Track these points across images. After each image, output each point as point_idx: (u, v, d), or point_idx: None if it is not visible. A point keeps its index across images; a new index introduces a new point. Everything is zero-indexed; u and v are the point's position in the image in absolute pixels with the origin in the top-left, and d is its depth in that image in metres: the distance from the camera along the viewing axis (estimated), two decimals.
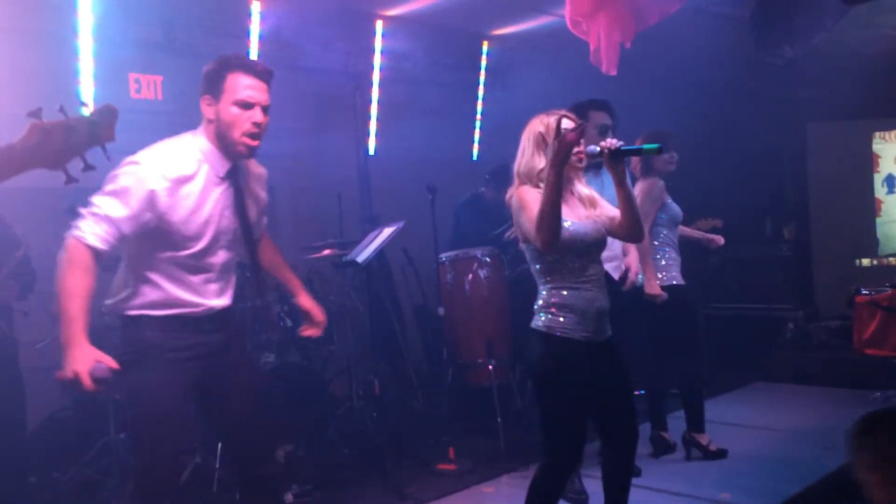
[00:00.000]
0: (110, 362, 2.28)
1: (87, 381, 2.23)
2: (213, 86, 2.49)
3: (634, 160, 4.28)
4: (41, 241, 3.98)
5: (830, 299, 7.13)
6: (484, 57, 6.91)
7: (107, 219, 2.35)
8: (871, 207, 7.58)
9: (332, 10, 5.65)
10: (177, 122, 5.11)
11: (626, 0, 4.28)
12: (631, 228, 2.79)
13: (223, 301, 2.61)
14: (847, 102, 6.72)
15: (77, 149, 1.90)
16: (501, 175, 4.79)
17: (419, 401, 5.51)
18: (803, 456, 4.20)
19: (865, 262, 7.71)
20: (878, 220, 7.56)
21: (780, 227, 7.65)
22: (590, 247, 2.76)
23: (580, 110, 3.65)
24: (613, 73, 4.34)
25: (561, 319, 2.70)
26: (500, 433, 4.60)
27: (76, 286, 2.31)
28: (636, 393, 3.45)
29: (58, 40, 4.69)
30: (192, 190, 2.45)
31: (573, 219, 2.74)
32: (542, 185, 2.68)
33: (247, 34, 5.38)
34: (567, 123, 2.69)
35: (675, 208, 4.34)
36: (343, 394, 5.06)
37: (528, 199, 2.71)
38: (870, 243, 7.65)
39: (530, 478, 2.83)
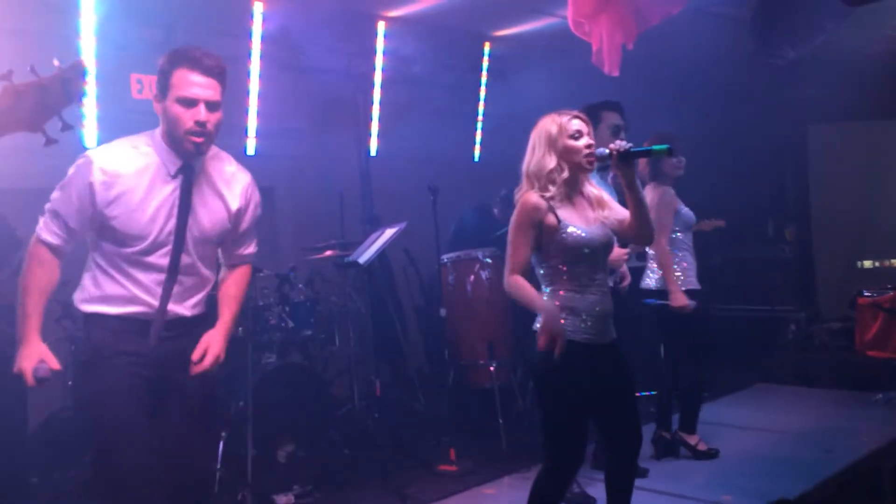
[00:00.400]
0: (53, 363, 2.30)
1: (29, 380, 2.28)
2: (161, 82, 2.41)
3: (642, 164, 4.26)
4: None
5: (832, 301, 7.11)
6: (486, 58, 6.91)
7: (55, 213, 2.38)
8: (876, 208, 7.57)
9: (334, 11, 5.65)
10: None
11: (628, 1, 4.28)
12: (641, 231, 2.78)
13: (182, 309, 2.46)
14: (848, 103, 6.70)
15: (53, 108, 1.90)
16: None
17: (420, 402, 5.51)
18: (805, 457, 4.19)
19: (867, 263, 7.70)
20: None
21: (781, 228, 7.64)
22: (596, 251, 2.73)
23: (592, 111, 3.63)
24: (616, 73, 4.34)
25: (562, 321, 2.66)
26: (501, 434, 4.59)
27: (31, 282, 2.35)
28: (641, 394, 3.47)
29: (60, 41, 4.69)
30: (134, 185, 2.36)
31: (581, 223, 2.72)
32: (551, 186, 2.69)
33: (249, 35, 5.38)
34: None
35: (688, 213, 4.33)
36: (344, 394, 5.06)
37: (521, 226, 2.71)
38: (874, 245, 7.65)
39: (531, 479, 2.82)
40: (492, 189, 5.82)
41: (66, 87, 1.90)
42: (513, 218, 2.75)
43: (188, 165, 2.44)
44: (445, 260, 5.01)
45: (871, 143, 7.64)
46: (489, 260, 4.98)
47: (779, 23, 4.67)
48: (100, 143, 4.78)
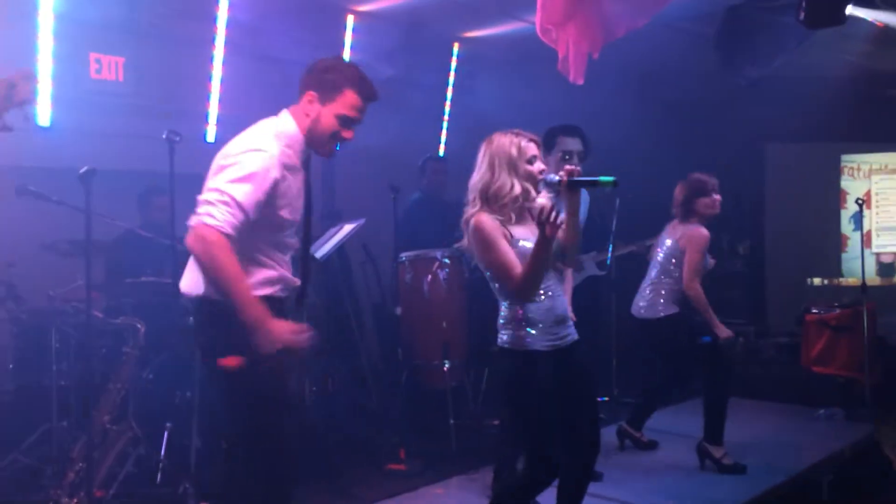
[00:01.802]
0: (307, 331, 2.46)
1: (305, 342, 2.41)
2: (327, 89, 2.57)
3: (677, 202, 4.37)
4: None
5: (781, 316, 7.28)
6: (454, 58, 6.91)
7: (238, 205, 2.38)
8: (827, 228, 7.78)
9: (303, 1, 5.59)
10: (137, 104, 5.10)
11: (596, 12, 4.31)
12: (568, 252, 2.88)
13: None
14: (806, 125, 6.87)
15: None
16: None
17: (372, 400, 5.48)
18: (747, 468, 4.26)
19: (817, 281, 7.90)
20: (843, 254, 7.75)
21: (735, 243, 7.79)
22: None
23: (550, 133, 3.69)
24: (580, 82, 4.37)
25: (523, 333, 2.73)
26: (451, 435, 4.59)
27: (236, 270, 2.37)
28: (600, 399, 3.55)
29: (16, 16, 4.55)
30: (294, 177, 2.56)
31: (530, 236, 2.74)
32: (505, 209, 2.74)
33: (214, 19, 5.28)
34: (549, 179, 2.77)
35: (708, 260, 4.41)
36: (295, 389, 5.01)
37: (493, 239, 2.70)
38: (824, 264, 7.85)
39: (480, 480, 2.86)
40: (455, 187, 5.80)
41: (10, 91, 1.93)
42: (480, 238, 2.72)
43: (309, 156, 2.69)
44: (403, 258, 4.99)
45: (827, 163, 7.85)
46: (447, 260, 4.96)
47: (742, 42, 4.75)
48: (54, 122, 4.71)
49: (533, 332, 2.74)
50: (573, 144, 3.75)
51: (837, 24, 4.40)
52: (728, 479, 4.14)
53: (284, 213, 2.55)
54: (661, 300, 4.39)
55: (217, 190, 2.39)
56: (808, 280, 7.87)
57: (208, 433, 3.90)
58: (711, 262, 4.46)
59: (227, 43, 5.36)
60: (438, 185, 5.76)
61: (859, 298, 5.67)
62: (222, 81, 5.41)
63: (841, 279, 7.79)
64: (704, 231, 4.33)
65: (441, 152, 7.18)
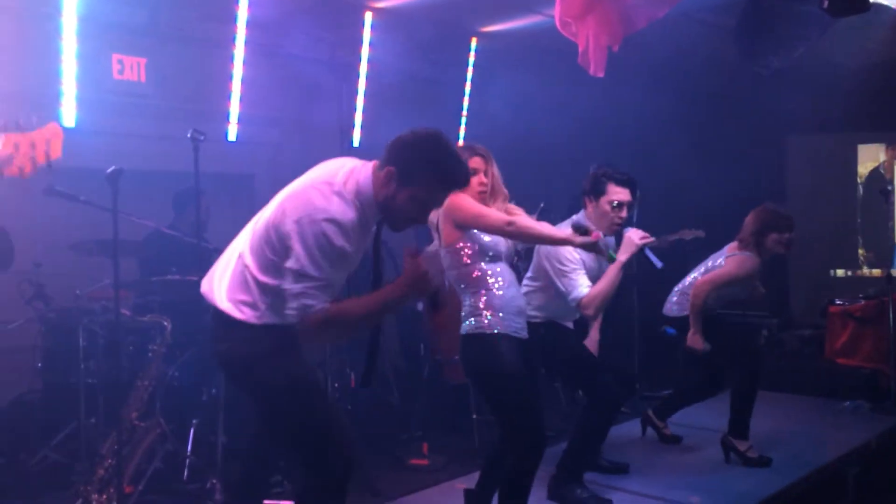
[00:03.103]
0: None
1: (424, 277, 2.40)
2: (406, 170, 2.40)
3: (747, 230, 4.29)
4: (19, 219, 3.95)
5: (805, 308, 7.21)
6: (472, 53, 6.90)
7: (328, 285, 2.35)
8: (847, 219, 7.69)
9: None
10: (159, 105, 5.16)
11: (615, 3, 4.29)
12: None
13: None
14: (828, 115, 6.79)
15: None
16: None
17: (395, 396, 5.50)
18: (773, 461, 4.23)
19: (840, 272, 7.81)
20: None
21: None
22: (502, 253, 3.06)
23: (599, 181, 3.62)
24: (601, 75, 4.35)
25: (488, 319, 2.96)
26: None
27: (353, 306, 2.46)
28: None
29: (41, 18, 4.62)
30: (361, 238, 2.48)
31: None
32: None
33: (234, 20, 5.32)
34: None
35: (759, 288, 4.44)
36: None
37: (470, 201, 2.99)
38: (845, 254, 7.76)
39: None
40: None
41: (33, 151, 1.99)
42: (467, 203, 2.97)
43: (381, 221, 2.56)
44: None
45: (848, 154, 7.76)
46: None
47: (763, 32, 4.71)
48: (78, 123, 4.77)
49: (497, 316, 2.97)
50: (624, 195, 3.62)
51: (861, 12, 4.34)
52: (754, 473, 4.12)
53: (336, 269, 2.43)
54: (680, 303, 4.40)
55: (304, 274, 2.31)
56: (832, 271, 7.79)
57: (234, 429, 3.93)
58: (762, 290, 4.45)
59: (247, 42, 5.40)
60: None
61: (884, 289, 5.61)
62: (243, 81, 5.45)
63: (865, 270, 7.70)
64: (756, 259, 4.26)
65: None
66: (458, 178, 2.48)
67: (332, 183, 2.42)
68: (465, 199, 2.96)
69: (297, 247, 2.32)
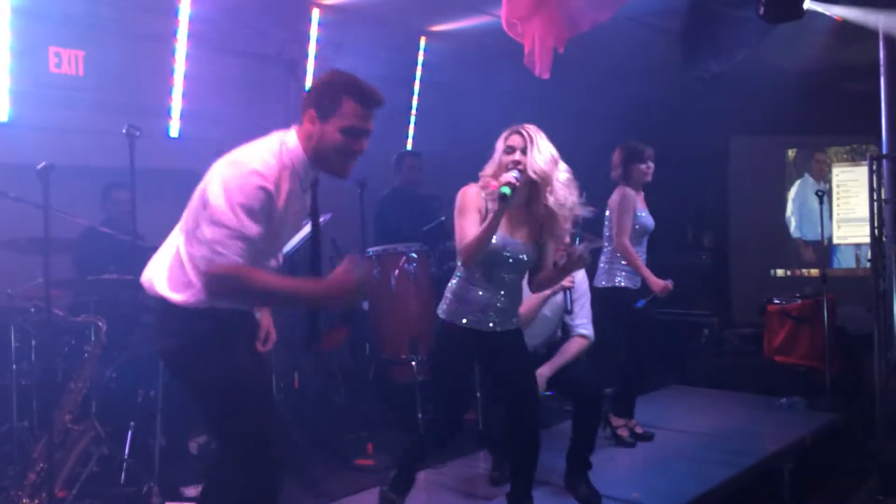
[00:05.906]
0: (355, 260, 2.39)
1: (362, 273, 2.34)
2: (324, 104, 2.39)
3: (615, 165, 4.50)
4: None
5: (745, 307, 7.38)
6: (421, 52, 6.90)
7: (244, 238, 2.28)
8: (787, 219, 7.91)
9: None
10: (98, 99, 5.02)
11: (561, 5, 4.34)
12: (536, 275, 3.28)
13: None
14: (768, 117, 6.97)
15: None
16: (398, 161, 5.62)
17: (341, 395, 5.46)
18: (711, 457, 4.33)
19: (780, 272, 8.03)
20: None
21: (700, 234, 7.89)
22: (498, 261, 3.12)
23: None
24: (546, 76, 4.40)
25: (454, 307, 3.18)
26: (419, 430, 4.60)
27: (270, 278, 2.40)
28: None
29: None
30: (293, 199, 2.45)
31: (504, 233, 3.05)
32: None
33: (176, 13, 5.21)
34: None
35: (647, 217, 4.51)
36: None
37: (466, 206, 3.05)
38: (785, 254, 7.98)
39: (447, 474, 2.93)
40: (423, 182, 5.80)
41: None
42: (458, 203, 3.10)
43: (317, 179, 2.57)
44: (371, 253, 4.97)
45: (786, 156, 7.98)
46: (415, 255, 4.96)
47: (704, 37, 4.81)
48: (12, 118, 4.62)
49: (461, 306, 3.16)
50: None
51: (796, 18, 4.47)
52: (692, 468, 4.20)
53: (268, 235, 2.40)
54: (608, 271, 4.53)
55: (218, 222, 2.29)
56: (772, 271, 8.00)
57: (173, 432, 3.86)
58: (650, 220, 4.55)
59: (189, 36, 5.30)
60: (413, 180, 5.72)
61: (820, 289, 5.78)
62: (185, 76, 5.35)
63: (804, 270, 7.92)
64: (627, 190, 4.43)
65: (409, 146, 7.17)
66: (373, 92, 2.44)
67: (256, 146, 2.46)
68: (467, 198, 3.07)
69: (214, 195, 2.31)
